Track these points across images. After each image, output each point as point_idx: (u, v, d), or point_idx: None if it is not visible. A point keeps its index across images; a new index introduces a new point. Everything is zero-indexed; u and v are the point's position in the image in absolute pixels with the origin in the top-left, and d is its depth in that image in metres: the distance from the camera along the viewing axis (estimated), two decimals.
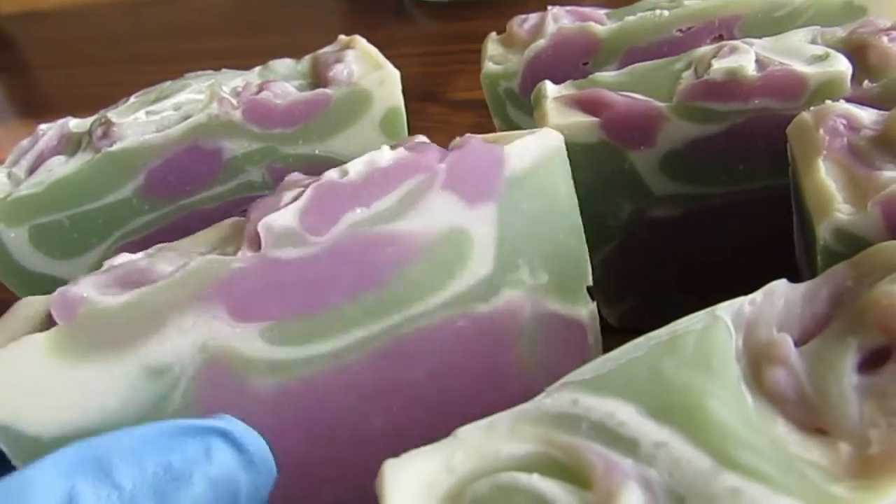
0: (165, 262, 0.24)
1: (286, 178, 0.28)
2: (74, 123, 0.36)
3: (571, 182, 0.28)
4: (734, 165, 0.31)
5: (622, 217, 0.33)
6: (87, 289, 0.23)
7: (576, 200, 0.28)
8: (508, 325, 0.28)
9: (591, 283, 0.29)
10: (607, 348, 0.29)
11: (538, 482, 0.16)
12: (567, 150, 0.30)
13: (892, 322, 0.18)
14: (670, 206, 0.33)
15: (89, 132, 0.35)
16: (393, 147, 0.27)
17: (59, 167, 0.34)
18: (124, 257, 0.25)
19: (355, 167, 0.25)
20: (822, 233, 0.24)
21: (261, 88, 0.35)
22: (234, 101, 0.35)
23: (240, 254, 0.24)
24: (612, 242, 0.34)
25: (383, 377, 0.27)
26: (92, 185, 0.34)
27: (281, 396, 0.26)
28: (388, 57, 0.38)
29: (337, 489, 0.28)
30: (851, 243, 0.24)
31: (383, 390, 0.27)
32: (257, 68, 0.38)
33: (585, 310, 0.29)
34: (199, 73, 0.38)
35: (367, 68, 0.36)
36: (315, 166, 0.33)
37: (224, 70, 0.39)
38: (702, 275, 0.34)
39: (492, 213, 0.27)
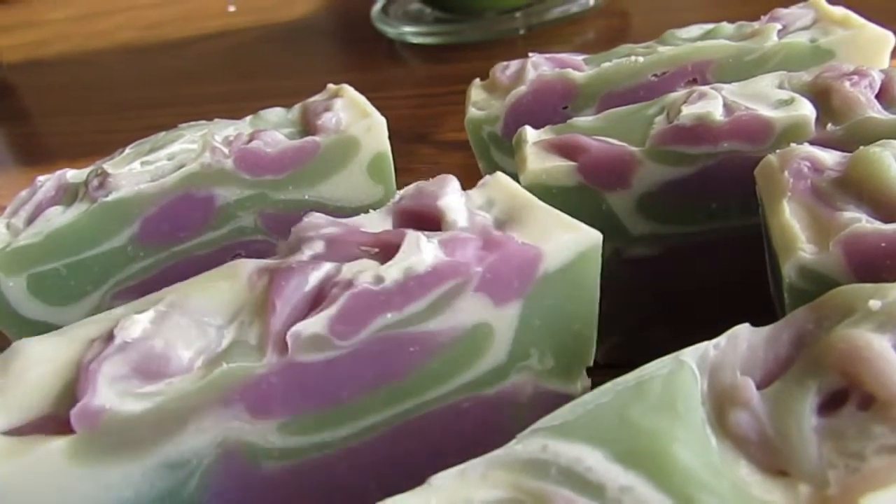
0: (181, 340, 0.24)
1: (305, 222, 0.28)
2: (72, 174, 0.37)
3: (598, 277, 0.28)
4: (708, 205, 0.32)
5: (603, 257, 0.34)
6: (108, 395, 0.22)
7: (598, 293, 0.28)
8: (510, 402, 0.29)
9: (591, 364, 0.30)
10: (594, 384, 0.30)
11: None
12: (547, 192, 0.31)
13: (849, 365, 0.19)
14: (648, 246, 0.33)
15: (86, 183, 0.36)
16: (415, 217, 0.27)
17: (57, 217, 0.34)
18: (136, 328, 0.24)
19: (392, 274, 0.25)
20: (788, 271, 0.25)
21: (252, 138, 0.37)
22: (226, 150, 0.36)
23: (265, 358, 0.24)
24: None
25: (387, 453, 0.28)
26: (88, 234, 0.35)
27: (290, 476, 0.26)
28: (379, 99, 0.39)
29: None
30: (816, 281, 0.25)
31: (386, 464, 0.28)
32: (248, 117, 0.39)
33: (580, 384, 0.30)
34: (193, 123, 0.39)
35: (354, 116, 0.38)
36: (306, 210, 0.34)
37: (216, 120, 0.40)
38: (683, 311, 0.35)
39: (516, 310, 0.27)
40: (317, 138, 0.36)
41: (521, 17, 0.79)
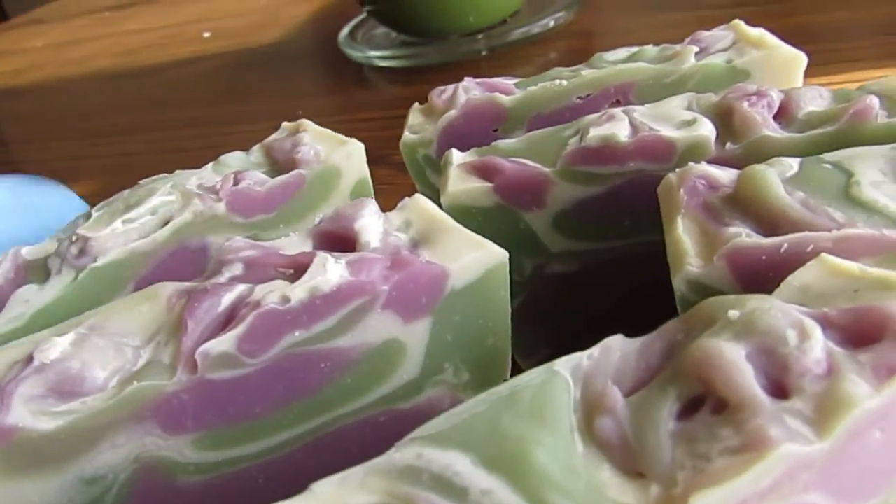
0: (98, 361, 0.25)
1: (225, 246, 0.29)
2: (27, 251, 0.34)
3: (508, 293, 0.29)
4: (620, 222, 0.34)
5: (525, 273, 0.35)
6: (21, 414, 0.23)
7: (508, 308, 0.30)
8: (427, 415, 0.29)
9: (508, 377, 0.31)
10: None
11: None
12: (467, 213, 0.32)
13: (704, 372, 0.20)
14: (567, 262, 0.35)
15: (58, 254, 0.33)
16: (332, 239, 0.28)
17: (36, 296, 0.32)
18: (54, 350, 0.25)
19: (297, 294, 0.26)
20: (678, 285, 0.26)
21: (237, 179, 0.36)
22: (215, 195, 0.35)
23: (176, 376, 0.25)
24: (519, 297, 0.36)
25: (304, 467, 0.29)
26: (78, 306, 0.32)
27: (207, 489, 0.27)
28: (344, 122, 0.40)
29: None
30: (704, 293, 0.26)
31: (303, 478, 0.29)
32: (209, 165, 0.39)
33: None
34: (155, 177, 0.38)
35: (331, 145, 0.38)
36: None
37: (177, 171, 0.39)
38: (605, 324, 0.36)
39: (426, 326, 0.28)
40: (302, 171, 0.36)
41: (484, 38, 0.81)
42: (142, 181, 0.38)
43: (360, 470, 0.20)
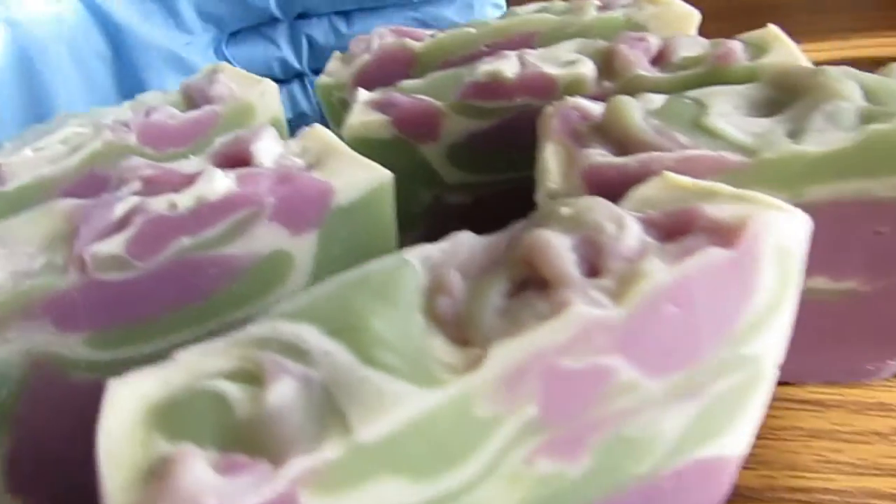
0: None
1: (124, 164, 0.31)
2: None
3: (393, 212, 0.31)
4: (509, 155, 0.36)
5: (424, 204, 0.38)
6: None
7: (394, 227, 0.32)
8: None
9: None
10: None
11: (221, 384, 0.20)
12: (367, 145, 0.34)
13: (532, 255, 0.23)
14: (462, 194, 0.37)
15: None
16: (229, 159, 0.30)
17: None
18: None
19: (184, 201, 0.28)
20: (540, 200, 0.29)
21: (150, 113, 0.38)
22: (127, 128, 0.37)
23: (67, 275, 0.27)
24: (419, 229, 0.38)
25: None
26: None
27: (97, 388, 0.29)
28: None
29: None
30: None
31: None
32: (127, 103, 0.40)
33: None
34: (68, 113, 0.40)
35: (245, 84, 0.40)
36: None
37: (93, 108, 0.40)
38: None
39: (313, 239, 0.30)
40: (215, 107, 0.38)
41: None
42: (56, 115, 0.40)
43: (220, 341, 0.22)
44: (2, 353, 0.27)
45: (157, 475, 0.18)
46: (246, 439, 0.19)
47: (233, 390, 0.20)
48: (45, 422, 0.28)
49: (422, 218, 0.38)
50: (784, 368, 0.29)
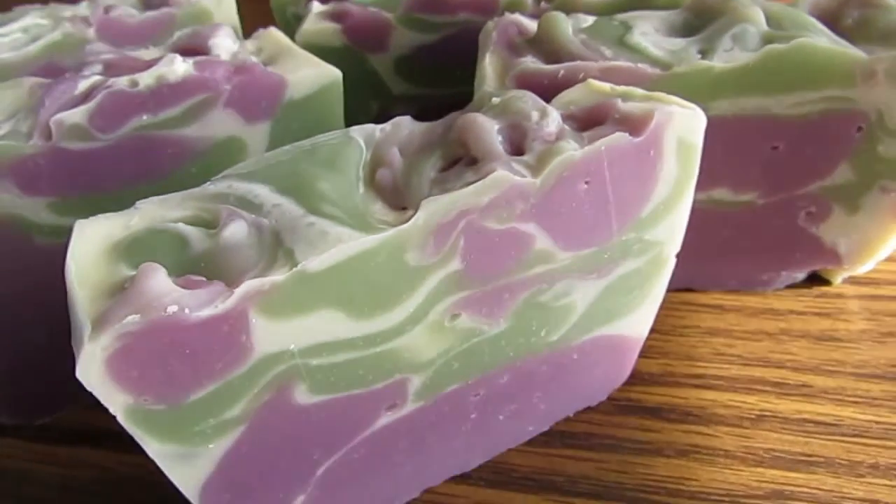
0: None
1: (87, 48, 0.32)
2: None
3: (342, 110, 0.33)
4: (452, 70, 0.39)
5: (372, 114, 0.40)
6: None
7: (342, 124, 0.34)
8: None
9: None
10: None
11: (180, 227, 0.23)
12: (319, 53, 0.36)
13: (464, 135, 0.25)
14: (407, 105, 0.40)
15: None
16: (187, 51, 0.32)
17: None
18: None
19: (145, 80, 0.29)
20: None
21: (108, 10, 0.39)
22: (86, 22, 0.37)
23: (32, 141, 0.28)
24: None
25: None
26: None
27: (59, 253, 0.31)
28: None
29: None
30: None
31: None
32: (84, 1, 0.41)
33: None
34: (28, 6, 0.40)
35: None
36: None
37: (52, 3, 0.41)
38: None
39: (266, 129, 0.32)
40: (172, 9, 0.39)
41: None
42: (16, 8, 0.41)
43: (178, 195, 0.24)
44: None
45: (122, 288, 0.20)
46: (202, 269, 0.21)
47: (190, 231, 0.23)
48: (7, 281, 0.30)
49: None
50: (689, 275, 0.33)
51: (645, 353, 0.33)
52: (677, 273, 0.30)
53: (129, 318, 0.19)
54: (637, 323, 0.31)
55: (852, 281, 0.39)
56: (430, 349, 0.26)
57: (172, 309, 0.20)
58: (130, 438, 0.34)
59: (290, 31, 0.46)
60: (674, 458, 0.30)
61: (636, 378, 0.34)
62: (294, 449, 0.25)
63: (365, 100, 0.40)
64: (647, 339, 0.32)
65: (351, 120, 0.35)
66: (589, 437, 0.31)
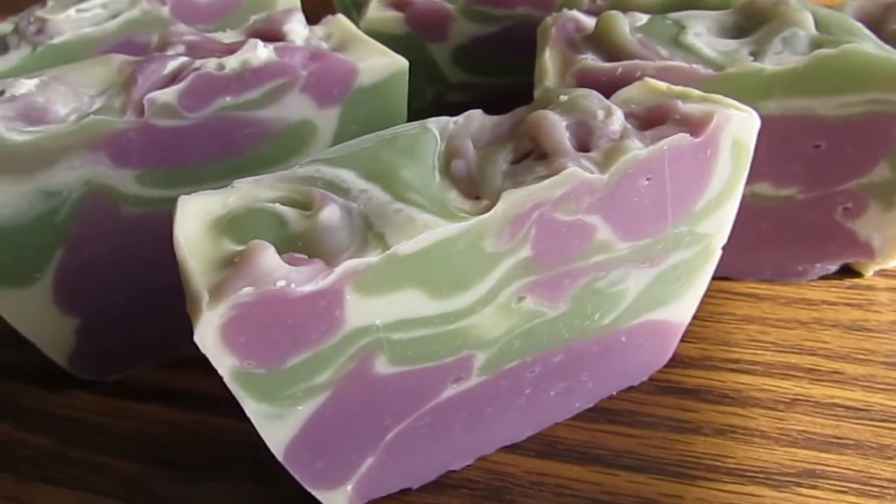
0: (60, 101, 0.30)
1: (171, 29, 0.34)
2: None
3: (406, 98, 0.35)
4: (509, 60, 0.40)
5: (427, 100, 0.42)
6: None
7: (406, 111, 0.36)
8: None
9: None
10: None
11: (278, 207, 0.25)
12: (381, 39, 0.38)
13: (534, 131, 0.27)
14: (462, 93, 0.42)
15: (17, 31, 0.38)
16: (263, 35, 0.34)
17: None
18: (22, 87, 0.30)
19: (231, 64, 0.32)
20: (537, 95, 0.33)
21: None
22: (161, 0, 0.40)
23: (126, 117, 0.30)
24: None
25: None
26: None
27: (143, 220, 0.34)
28: None
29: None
30: None
31: None
32: None
33: None
34: None
35: None
36: None
37: None
38: None
39: (336, 114, 0.34)
40: None
41: None
42: None
43: (270, 176, 0.27)
44: (67, 178, 0.31)
45: (233, 262, 0.22)
46: (300, 247, 0.24)
47: (287, 211, 0.25)
48: (94, 245, 0.33)
49: (425, 113, 0.42)
50: (727, 264, 0.34)
51: (684, 337, 0.35)
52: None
53: (244, 289, 0.21)
54: (681, 309, 0.33)
55: (883, 273, 0.40)
56: (496, 328, 0.28)
57: (281, 283, 0.22)
58: (196, 398, 0.36)
59: (347, 14, 0.48)
60: (711, 437, 0.32)
61: (676, 361, 0.36)
62: (369, 414, 0.27)
63: (421, 86, 0.41)
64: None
65: (408, 107, 0.37)
66: (631, 414, 0.34)
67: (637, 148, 0.26)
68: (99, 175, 0.31)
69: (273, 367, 0.23)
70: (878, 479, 0.30)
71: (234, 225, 0.24)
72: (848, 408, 0.33)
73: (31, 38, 0.38)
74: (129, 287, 0.35)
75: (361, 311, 0.24)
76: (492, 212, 0.24)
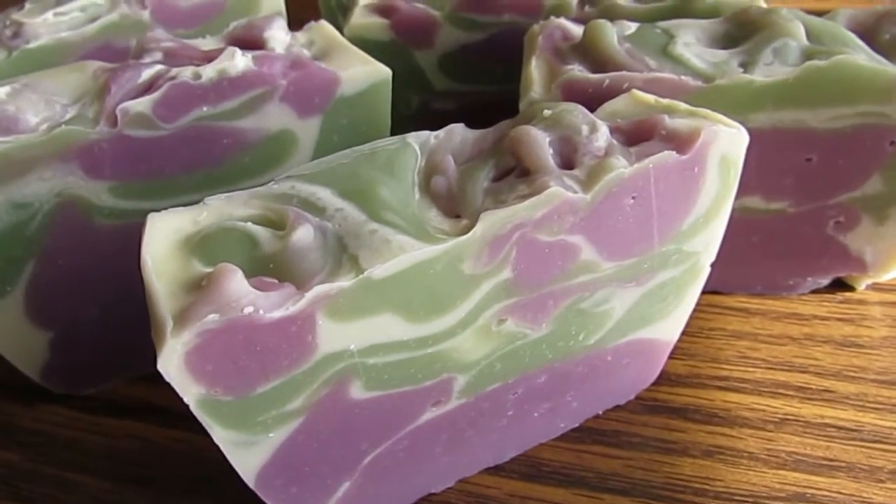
0: (31, 109, 0.29)
1: (148, 35, 0.33)
2: None
3: (389, 106, 0.34)
4: (494, 68, 0.39)
5: (412, 107, 0.41)
6: None
7: (389, 120, 0.35)
8: None
9: None
10: None
11: (250, 226, 0.24)
12: (366, 46, 0.37)
13: (516, 147, 0.26)
14: (448, 100, 0.41)
15: None
16: (243, 42, 0.33)
17: None
18: None
19: (208, 73, 0.31)
20: (523, 106, 0.32)
21: None
22: (141, 4, 0.39)
23: (98, 127, 0.30)
24: (406, 131, 0.41)
25: None
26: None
27: (117, 233, 0.33)
28: None
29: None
30: None
31: None
32: None
33: None
34: None
35: None
36: None
37: None
38: None
39: (317, 123, 0.33)
40: None
41: None
42: None
43: (244, 193, 0.26)
44: (38, 189, 0.30)
45: (200, 286, 0.21)
46: (271, 269, 0.23)
47: (259, 230, 0.24)
48: (66, 257, 0.32)
49: (410, 121, 0.41)
50: (716, 278, 0.34)
51: (672, 354, 0.35)
52: None
53: (210, 316, 0.20)
54: (669, 328, 0.32)
55: (875, 287, 0.40)
56: (477, 351, 0.27)
57: (248, 310, 0.21)
58: (172, 414, 0.36)
59: (333, 18, 0.47)
60: (699, 459, 0.32)
61: (663, 378, 0.35)
62: (345, 440, 0.26)
63: (406, 93, 0.40)
64: None
65: (392, 114, 0.37)
66: (617, 434, 0.33)
67: (622, 166, 0.25)
68: (71, 186, 0.30)
69: (242, 395, 0.23)
70: (870, 502, 0.29)
71: (205, 245, 0.23)
72: (839, 428, 0.32)
73: (6, 43, 0.37)
74: (103, 300, 0.34)
75: (334, 336, 0.23)
76: (470, 234, 0.24)
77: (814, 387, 0.34)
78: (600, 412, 0.34)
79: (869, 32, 0.35)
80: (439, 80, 0.40)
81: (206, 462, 0.34)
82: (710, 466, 0.31)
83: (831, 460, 0.31)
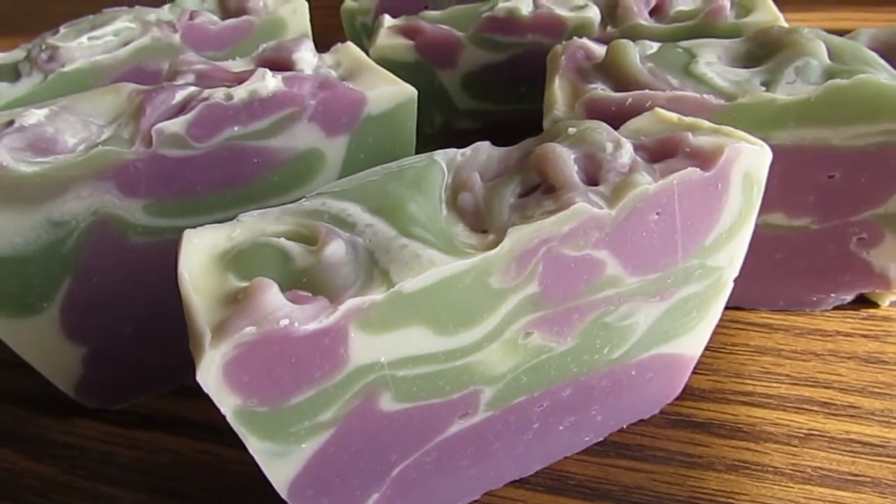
0: (69, 131, 0.31)
1: (180, 58, 0.34)
2: (1, 56, 0.39)
3: (415, 125, 0.35)
4: (517, 88, 0.40)
5: (436, 126, 0.42)
6: (4, 157, 0.29)
7: (414, 139, 0.36)
8: None
9: None
10: None
11: (283, 241, 0.24)
12: (391, 67, 0.38)
13: (542, 164, 0.27)
14: (471, 120, 0.41)
15: (28, 59, 0.39)
16: (272, 64, 0.34)
17: (8, 90, 0.37)
18: (32, 117, 0.30)
19: (239, 94, 0.31)
20: (546, 124, 0.33)
21: (193, 16, 0.42)
22: (172, 28, 0.40)
23: (134, 147, 0.30)
24: (429, 149, 0.42)
25: None
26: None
27: (151, 250, 0.34)
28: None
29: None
30: None
31: None
32: (167, 5, 0.44)
33: None
34: (115, 9, 0.43)
35: (278, 0, 0.44)
36: None
37: (137, 7, 0.44)
38: None
39: (344, 142, 0.34)
40: (251, 18, 0.42)
41: None
42: (105, 10, 0.43)
43: (277, 210, 0.26)
44: (75, 208, 0.31)
45: (236, 299, 0.22)
46: (304, 283, 0.23)
47: (292, 246, 0.24)
48: (101, 274, 0.32)
49: (433, 139, 0.42)
50: (739, 294, 0.34)
51: (696, 369, 0.35)
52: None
53: (247, 329, 0.21)
54: (693, 342, 0.33)
55: None
56: (503, 364, 0.27)
57: (284, 322, 0.21)
58: (202, 427, 0.36)
59: (357, 40, 0.48)
60: (724, 473, 0.32)
61: (687, 393, 0.35)
62: (374, 451, 0.27)
63: (430, 113, 0.41)
64: None
65: (416, 133, 0.37)
66: (642, 448, 0.33)
67: (646, 182, 0.26)
68: (107, 205, 0.31)
69: (276, 406, 0.23)
70: None
71: (239, 260, 0.24)
72: (864, 444, 0.33)
73: (42, 66, 0.38)
74: (137, 316, 0.35)
75: (366, 348, 0.23)
76: (498, 248, 0.24)
77: (838, 402, 0.35)
78: (624, 426, 0.34)
79: (890, 51, 0.35)
80: (462, 99, 0.40)
81: (234, 474, 0.34)
82: (734, 481, 0.31)
83: (857, 475, 0.31)
